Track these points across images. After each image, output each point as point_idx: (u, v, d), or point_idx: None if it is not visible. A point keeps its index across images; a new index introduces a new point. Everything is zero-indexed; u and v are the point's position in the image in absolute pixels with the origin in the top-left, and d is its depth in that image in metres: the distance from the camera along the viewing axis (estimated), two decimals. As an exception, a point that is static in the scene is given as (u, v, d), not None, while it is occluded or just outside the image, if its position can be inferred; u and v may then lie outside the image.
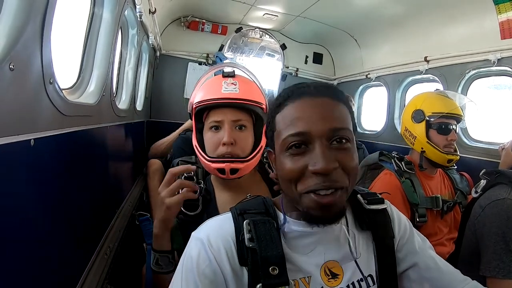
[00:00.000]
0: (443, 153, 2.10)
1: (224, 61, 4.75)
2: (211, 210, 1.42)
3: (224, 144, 1.37)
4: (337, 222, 0.96)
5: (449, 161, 2.12)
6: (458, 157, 2.14)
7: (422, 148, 2.17)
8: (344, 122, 0.91)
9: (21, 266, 0.95)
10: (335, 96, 0.95)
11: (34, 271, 1.04)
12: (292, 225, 0.99)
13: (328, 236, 1.00)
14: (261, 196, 1.07)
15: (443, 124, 2.12)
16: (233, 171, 1.37)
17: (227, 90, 1.39)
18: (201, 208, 1.41)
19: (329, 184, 0.85)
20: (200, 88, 1.48)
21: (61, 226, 1.27)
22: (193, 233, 0.98)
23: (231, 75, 1.45)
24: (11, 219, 0.90)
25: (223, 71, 1.49)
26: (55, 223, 1.22)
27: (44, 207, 1.13)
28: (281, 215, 1.01)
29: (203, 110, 1.44)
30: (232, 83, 1.41)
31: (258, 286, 0.87)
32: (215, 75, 1.55)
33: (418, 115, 2.20)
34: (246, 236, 0.91)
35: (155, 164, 3.17)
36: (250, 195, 1.10)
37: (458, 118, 2.14)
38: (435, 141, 2.12)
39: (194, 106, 1.45)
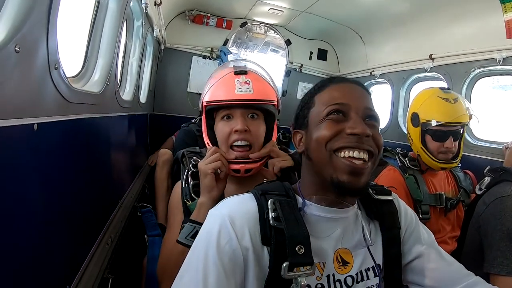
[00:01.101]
0: (435, 161, 2.05)
1: (229, 56, 4.75)
2: (219, 199, 1.41)
3: (236, 131, 1.37)
4: (362, 194, 1.04)
5: (443, 168, 2.09)
6: (454, 165, 2.09)
7: (417, 152, 2.15)
8: (375, 109, 1.03)
9: (22, 253, 0.95)
10: (368, 90, 1.08)
11: (35, 258, 1.04)
12: (313, 209, 1.00)
13: (343, 223, 1.02)
14: (278, 181, 1.08)
15: (440, 131, 2.03)
16: (247, 170, 1.41)
17: (241, 90, 1.37)
18: None
19: (363, 145, 0.93)
20: (212, 85, 1.46)
21: (62, 214, 1.27)
22: (211, 210, 0.99)
23: (243, 72, 1.43)
24: (11, 204, 0.89)
25: (234, 66, 1.47)
26: (56, 211, 1.21)
27: (46, 193, 1.13)
28: (299, 199, 1.02)
29: (215, 108, 1.43)
30: (245, 82, 1.40)
31: (285, 264, 0.86)
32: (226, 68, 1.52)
33: (414, 119, 2.14)
34: (271, 215, 0.91)
35: (166, 154, 3.15)
36: (266, 180, 1.13)
37: (462, 124, 2.05)
38: (429, 147, 2.06)
39: (205, 104, 1.44)
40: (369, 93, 1.07)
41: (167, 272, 1.30)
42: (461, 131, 2.07)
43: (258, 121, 1.43)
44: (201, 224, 1.24)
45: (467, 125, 2.09)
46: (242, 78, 1.41)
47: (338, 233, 1.01)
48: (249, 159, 1.40)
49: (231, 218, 0.91)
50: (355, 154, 0.92)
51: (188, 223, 1.29)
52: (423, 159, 2.12)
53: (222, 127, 1.41)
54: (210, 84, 1.47)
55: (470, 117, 2.06)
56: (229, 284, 0.86)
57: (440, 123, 1.99)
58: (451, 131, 2.02)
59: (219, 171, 1.34)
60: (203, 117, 1.49)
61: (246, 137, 1.38)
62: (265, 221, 0.92)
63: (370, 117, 0.99)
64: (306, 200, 1.00)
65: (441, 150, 2.04)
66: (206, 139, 1.49)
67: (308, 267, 0.88)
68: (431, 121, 2.03)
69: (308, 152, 1.03)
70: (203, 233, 0.93)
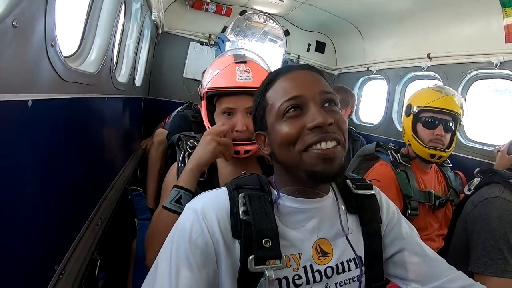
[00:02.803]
0: (425, 147, 2.08)
1: (226, 43, 4.73)
2: (215, 181, 1.50)
3: (237, 130, 1.45)
4: (339, 178, 1.00)
5: (432, 156, 2.09)
6: (444, 153, 2.09)
7: (408, 141, 2.19)
8: (330, 89, 0.99)
9: (10, 231, 0.95)
10: (318, 71, 1.03)
11: (24, 236, 1.03)
12: (286, 201, 1.00)
13: (320, 213, 1.02)
14: (255, 174, 1.08)
15: (430, 118, 2.09)
16: (246, 151, 1.48)
17: (242, 78, 1.45)
18: (207, 176, 1.47)
19: (329, 135, 0.90)
20: (213, 72, 1.52)
21: (52, 193, 1.26)
22: (187, 204, 0.99)
23: (243, 61, 1.49)
24: (1, 180, 0.89)
25: (234, 55, 1.54)
26: (47, 189, 1.21)
27: (38, 169, 1.12)
28: (275, 192, 1.02)
29: (215, 94, 1.49)
30: (245, 71, 1.47)
31: (250, 257, 0.87)
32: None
33: (408, 109, 2.21)
34: (241, 208, 0.92)
35: (162, 135, 3.14)
36: (245, 173, 1.12)
37: (454, 116, 2.09)
38: (420, 135, 2.12)
39: (206, 90, 1.50)
40: (322, 74, 1.04)
41: (154, 236, 1.35)
42: (453, 125, 2.10)
43: None
44: (184, 189, 1.32)
45: (460, 121, 2.13)
46: (242, 66, 1.47)
47: (314, 223, 1.01)
48: (248, 141, 1.46)
49: (203, 212, 0.92)
50: (323, 145, 0.90)
51: (174, 188, 1.34)
52: (414, 147, 2.15)
53: (224, 123, 1.48)
54: (211, 72, 1.53)
55: (462, 112, 2.11)
56: (201, 276, 0.87)
57: (429, 108, 2.08)
58: (441, 120, 2.08)
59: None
60: (204, 102, 1.55)
61: (245, 135, 1.45)
62: (236, 215, 0.93)
63: (329, 101, 0.96)
64: (280, 193, 1.01)
65: (431, 139, 2.08)
66: (206, 123, 1.57)
67: (277, 260, 0.89)
68: (422, 106, 2.10)
69: (275, 155, 1.01)
70: (178, 226, 0.95)
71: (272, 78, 1.04)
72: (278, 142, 0.96)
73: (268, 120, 1.00)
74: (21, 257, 1.02)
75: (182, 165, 1.48)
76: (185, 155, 1.50)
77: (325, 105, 0.95)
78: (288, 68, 1.05)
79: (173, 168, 1.55)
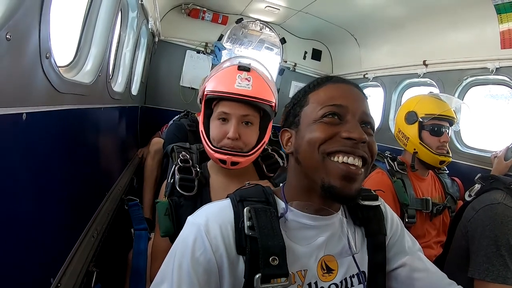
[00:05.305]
0: (436, 154, 2.11)
1: (223, 51, 4.74)
2: (205, 195, 1.43)
3: (229, 137, 1.39)
4: (354, 201, 1.00)
5: (441, 162, 2.13)
6: (450, 159, 2.15)
7: (414, 149, 2.18)
8: (372, 116, 0.99)
9: (5, 244, 0.93)
10: (364, 95, 1.03)
11: (19, 249, 1.02)
12: (295, 216, 0.98)
13: (328, 230, 1.00)
14: (260, 185, 1.05)
15: (436, 126, 2.13)
16: (234, 163, 1.41)
17: (240, 85, 1.40)
18: (196, 191, 1.40)
19: (358, 151, 0.90)
20: (215, 76, 1.49)
21: (48, 205, 1.25)
22: (189, 218, 0.96)
23: (246, 69, 1.45)
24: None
25: (239, 62, 1.49)
26: (42, 201, 1.19)
27: (33, 183, 1.11)
28: (282, 204, 1.00)
29: (214, 99, 1.45)
30: (246, 79, 1.42)
31: (257, 276, 0.84)
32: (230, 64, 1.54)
33: (411, 117, 2.22)
34: (246, 223, 0.89)
35: (158, 143, 3.12)
36: (249, 183, 1.09)
37: (451, 121, 2.16)
38: (427, 142, 2.14)
39: (205, 93, 1.46)
40: (366, 98, 1.03)
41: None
42: (449, 130, 2.19)
43: (251, 128, 1.45)
44: None
45: (455, 122, 2.21)
46: (244, 74, 1.43)
47: (321, 240, 0.99)
48: (236, 152, 1.41)
49: (206, 227, 0.90)
50: (350, 160, 0.89)
51: None
52: (422, 155, 2.16)
53: (217, 127, 1.43)
54: (214, 76, 1.50)
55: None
56: None
57: (435, 115, 2.11)
58: (445, 126, 2.15)
59: None
60: (203, 105, 1.50)
61: (236, 144, 1.41)
62: (241, 230, 0.90)
63: (367, 123, 0.96)
64: (288, 206, 0.98)
65: (438, 145, 2.12)
66: (201, 127, 1.51)
67: (284, 278, 0.86)
68: (430, 114, 2.13)
69: (297, 154, 0.99)
70: (180, 241, 0.93)
71: (320, 81, 1.04)
72: (306, 141, 0.94)
73: (302, 119, 1.00)
74: (16, 270, 1.00)
75: (172, 180, 1.43)
76: (176, 168, 1.45)
77: (362, 125, 0.94)
78: (339, 78, 1.05)
79: (163, 187, 1.52)
